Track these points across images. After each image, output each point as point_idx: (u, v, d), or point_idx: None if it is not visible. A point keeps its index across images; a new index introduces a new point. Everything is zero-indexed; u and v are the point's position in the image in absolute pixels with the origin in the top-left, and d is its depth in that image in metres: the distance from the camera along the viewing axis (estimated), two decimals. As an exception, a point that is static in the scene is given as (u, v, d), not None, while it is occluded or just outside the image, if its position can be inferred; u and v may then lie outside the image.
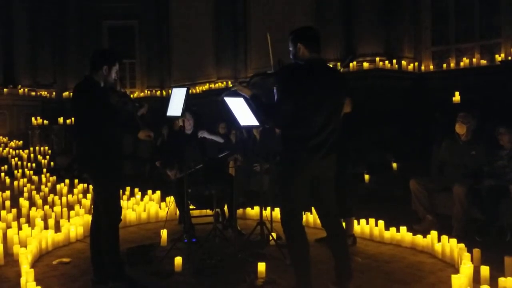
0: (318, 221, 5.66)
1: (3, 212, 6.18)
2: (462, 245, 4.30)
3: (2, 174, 10.41)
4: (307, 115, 3.34)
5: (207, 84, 13.68)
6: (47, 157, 12.72)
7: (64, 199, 7.38)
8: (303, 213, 3.77)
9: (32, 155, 12.92)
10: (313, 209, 5.60)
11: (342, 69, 4.17)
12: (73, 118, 13.74)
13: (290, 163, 3.42)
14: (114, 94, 3.93)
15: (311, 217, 5.81)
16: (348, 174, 4.91)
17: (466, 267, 3.73)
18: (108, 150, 3.79)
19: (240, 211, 6.24)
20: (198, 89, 13.79)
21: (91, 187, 8.13)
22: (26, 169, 11.20)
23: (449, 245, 4.45)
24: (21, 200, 7.19)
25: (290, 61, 3.57)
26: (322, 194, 3.54)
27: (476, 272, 3.78)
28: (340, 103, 3.50)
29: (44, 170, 10.90)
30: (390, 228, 5.13)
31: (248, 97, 3.64)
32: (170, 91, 4.97)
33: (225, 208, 5.79)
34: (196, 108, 5.78)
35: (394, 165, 7.80)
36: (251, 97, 3.59)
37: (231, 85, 12.71)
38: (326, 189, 3.54)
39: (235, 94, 3.97)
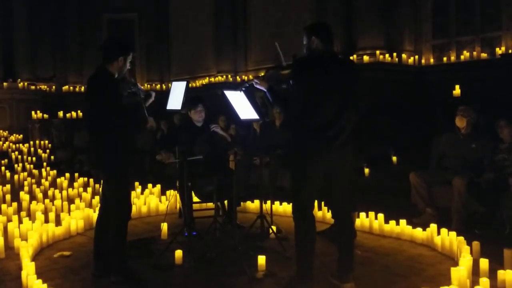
0: (318, 214, 5.70)
1: (4, 206, 6.20)
2: (461, 238, 4.32)
3: (3, 168, 10.42)
4: (319, 106, 3.40)
5: (207, 78, 13.66)
6: (47, 151, 12.72)
7: (64, 192, 7.40)
8: (314, 205, 3.80)
9: (32, 149, 12.92)
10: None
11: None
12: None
13: (302, 154, 3.46)
14: (125, 85, 3.87)
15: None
16: (353, 168, 4.91)
17: (466, 260, 3.74)
18: (121, 144, 3.74)
19: (240, 205, 6.24)
20: (198, 82, 13.77)
21: (91, 180, 8.16)
22: (26, 163, 11.21)
23: (449, 238, 4.47)
24: (22, 194, 7.20)
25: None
26: (335, 186, 3.57)
27: (476, 264, 3.79)
28: (352, 94, 3.52)
29: (44, 164, 10.92)
30: (390, 221, 5.14)
31: (265, 90, 3.73)
32: (169, 84, 4.96)
33: (225, 201, 5.79)
34: (209, 104, 5.75)
35: (394, 158, 7.80)
36: (268, 89, 3.70)
37: (231, 79, 12.75)
38: (340, 182, 3.57)
39: (247, 88, 4.07)
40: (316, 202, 5.67)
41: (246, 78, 12.55)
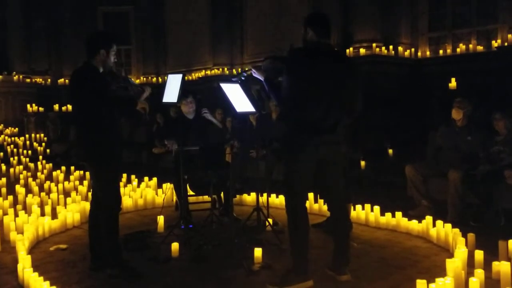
0: (314, 206, 5.72)
1: (0, 199, 6.19)
2: (456, 229, 4.34)
3: (-2, 161, 10.40)
4: (313, 98, 3.39)
5: (203, 71, 13.61)
6: (43, 144, 12.69)
7: (60, 186, 7.39)
8: (307, 197, 3.81)
9: (28, 142, 12.89)
10: (309, 194, 5.63)
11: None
12: (70, 105, 13.68)
13: (295, 146, 3.46)
14: (113, 79, 3.86)
15: (307, 203, 5.82)
16: (347, 160, 4.92)
17: (461, 252, 3.77)
18: (107, 138, 3.75)
19: (236, 197, 6.25)
20: (194, 75, 13.72)
21: (87, 173, 8.14)
22: (22, 156, 11.18)
23: (444, 230, 4.49)
24: (17, 187, 7.19)
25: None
26: (329, 178, 3.57)
27: (471, 256, 3.81)
28: (346, 88, 3.50)
29: (40, 157, 10.89)
30: (386, 214, 5.16)
31: (262, 80, 3.73)
32: (165, 77, 4.93)
33: (222, 194, 5.80)
34: (201, 97, 5.73)
35: (390, 151, 7.82)
36: (265, 79, 3.70)
37: (227, 72, 12.70)
38: (333, 173, 3.57)
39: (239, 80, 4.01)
40: (312, 195, 5.70)
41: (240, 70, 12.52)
